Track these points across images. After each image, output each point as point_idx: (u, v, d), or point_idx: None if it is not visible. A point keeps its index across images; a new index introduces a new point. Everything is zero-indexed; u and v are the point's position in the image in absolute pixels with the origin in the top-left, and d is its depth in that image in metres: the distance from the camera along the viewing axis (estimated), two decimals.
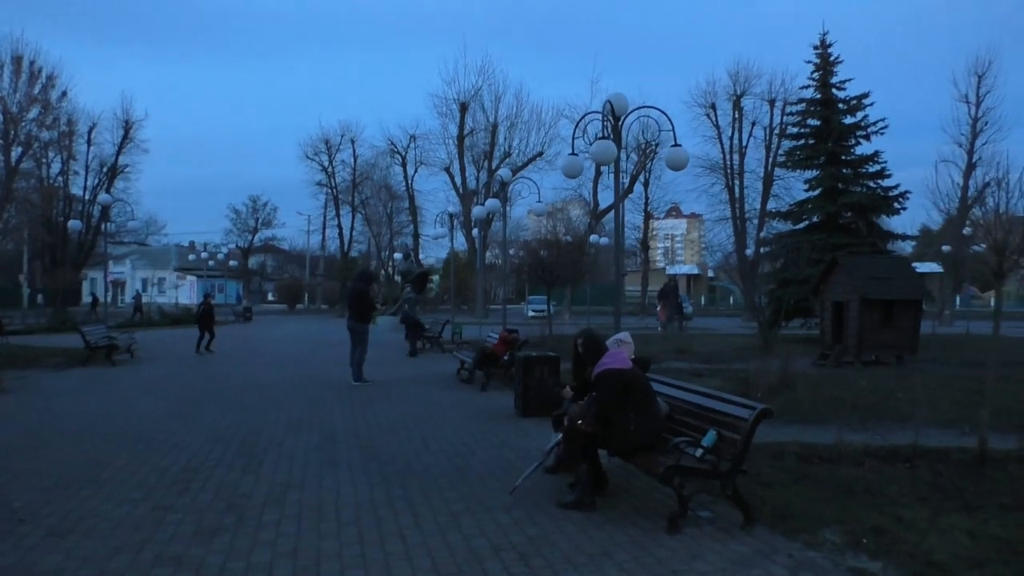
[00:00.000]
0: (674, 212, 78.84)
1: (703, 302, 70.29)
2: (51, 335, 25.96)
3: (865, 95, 25.72)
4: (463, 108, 47.60)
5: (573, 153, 11.26)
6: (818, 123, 26.11)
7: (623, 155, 43.06)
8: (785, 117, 36.90)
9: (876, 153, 25.28)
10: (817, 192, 26.22)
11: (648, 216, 49.54)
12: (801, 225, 26.52)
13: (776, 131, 42.42)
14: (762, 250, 34.92)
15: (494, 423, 9.98)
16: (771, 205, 43.97)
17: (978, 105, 38.98)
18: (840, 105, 25.97)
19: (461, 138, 47.86)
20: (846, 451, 7.76)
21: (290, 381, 14.49)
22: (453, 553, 5.04)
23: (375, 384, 13.71)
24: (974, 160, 39.32)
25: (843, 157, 25.70)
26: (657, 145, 43.36)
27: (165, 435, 9.02)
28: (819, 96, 26.23)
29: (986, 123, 38.81)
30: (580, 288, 35.16)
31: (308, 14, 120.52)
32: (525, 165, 48.09)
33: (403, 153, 52.69)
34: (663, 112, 11.14)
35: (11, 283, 52.58)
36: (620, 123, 10.64)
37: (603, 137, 10.32)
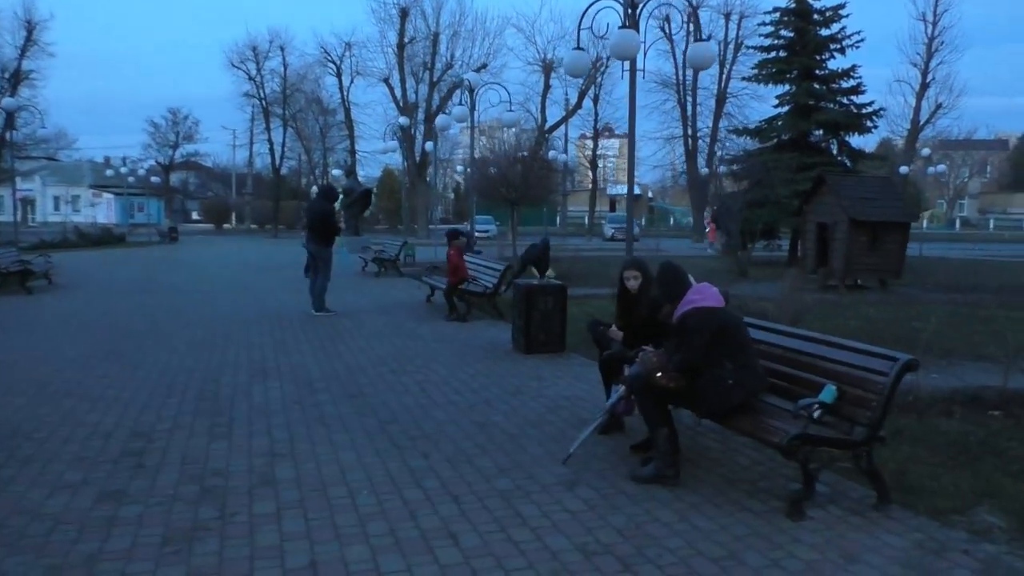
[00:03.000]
0: (607, 132, 77.66)
1: (643, 223, 69.68)
2: None
3: (841, 5, 24.41)
4: (403, 14, 44.51)
5: (578, 47, 9.63)
6: (792, 35, 24.74)
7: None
8: (758, 27, 35.32)
9: (853, 67, 24.18)
10: (787, 108, 25.07)
11: (597, 134, 47.98)
12: (769, 144, 25.43)
13: (732, 46, 41.03)
14: (721, 169, 33.89)
15: (494, 362, 8.61)
16: (722, 124, 43.04)
17: (935, 24, 38.28)
18: (815, 16, 24.62)
19: (401, 46, 44.88)
20: (922, 396, 6.70)
21: (241, 312, 12.79)
22: (531, 563, 3.70)
23: (339, 315, 12.15)
24: (928, 80, 38.91)
25: (816, 72, 24.51)
26: (609, 59, 41.46)
27: (102, 385, 7.37)
28: (794, 6, 24.79)
29: (942, 42, 38.21)
30: (529, 208, 33.61)
31: None
32: None
33: (338, 63, 49.35)
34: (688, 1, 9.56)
35: None
36: (639, 12, 9.04)
37: (623, 26, 8.73)
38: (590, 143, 53.21)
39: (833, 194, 17.37)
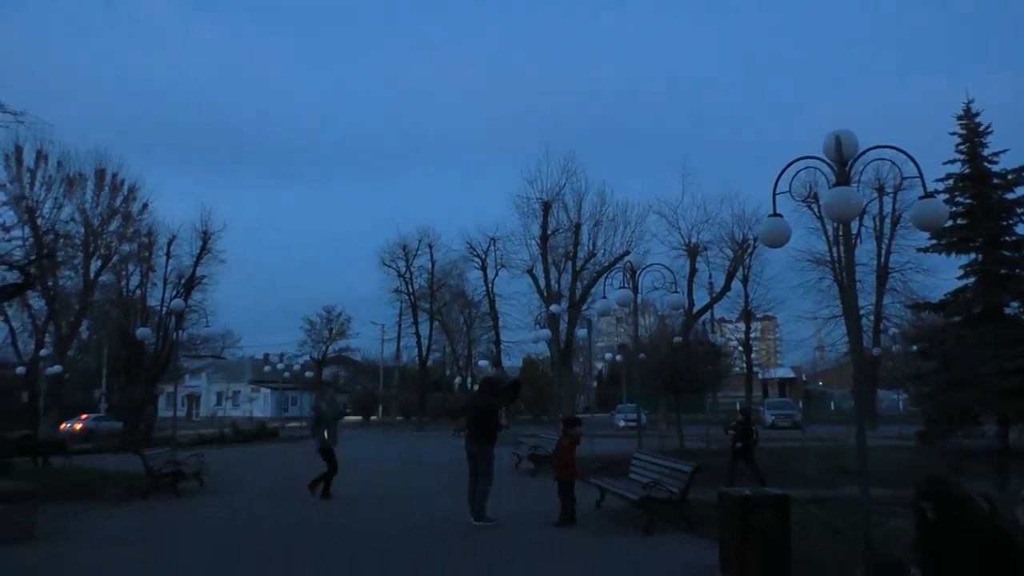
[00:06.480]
0: (745, 316, 75.37)
1: (801, 407, 65.19)
2: (121, 455, 23.65)
3: None
4: (546, 207, 45.58)
5: (775, 214, 8.40)
6: (970, 201, 22.82)
7: (716, 250, 39.77)
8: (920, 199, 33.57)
9: None
10: (974, 279, 22.66)
11: (749, 316, 46.03)
12: (957, 318, 22.86)
13: (889, 219, 39.19)
14: (894, 348, 31.04)
15: None
16: (886, 300, 40.51)
17: None
18: (995, 180, 22.72)
19: (544, 238, 45.65)
20: None
21: (391, 521, 11.51)
22: None
23: (501, 524, 10.65)
24: None
25: (1004, 238, 22.25)
26: (756, 239, 40.37)
27: None
28: (968, 171, 23.05)
29: None
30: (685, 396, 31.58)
31: (392, 135, 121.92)
32: (611, 265, 45.47)
33: (483, 256, 50.79)
34: (906, 154, 8.25)
35: (88, 399, 51.82)
36: (849, 169, 7.80)
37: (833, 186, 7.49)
38: (730, 327, 51.39)
39: None
